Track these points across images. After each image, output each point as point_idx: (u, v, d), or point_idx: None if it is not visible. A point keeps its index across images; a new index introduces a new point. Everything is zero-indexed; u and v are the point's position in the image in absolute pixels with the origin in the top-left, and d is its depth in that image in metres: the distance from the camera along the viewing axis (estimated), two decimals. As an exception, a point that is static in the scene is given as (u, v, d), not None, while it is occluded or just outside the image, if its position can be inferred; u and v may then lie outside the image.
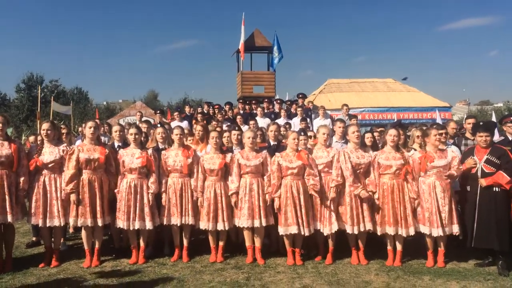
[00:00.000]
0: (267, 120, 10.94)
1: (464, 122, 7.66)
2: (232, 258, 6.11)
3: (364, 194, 5.72)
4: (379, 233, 5.84)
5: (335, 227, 5.81)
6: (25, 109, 40.26)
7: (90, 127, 5.91)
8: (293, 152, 5.89)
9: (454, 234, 5.68)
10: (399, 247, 5.84)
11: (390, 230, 5.75)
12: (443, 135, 6.03)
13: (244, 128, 8.97)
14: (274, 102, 13.51)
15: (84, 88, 49.44)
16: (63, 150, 5.87)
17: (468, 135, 6.79)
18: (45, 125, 5.89)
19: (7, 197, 5.52)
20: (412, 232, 5.70)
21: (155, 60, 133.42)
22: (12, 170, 5.63)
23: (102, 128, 9.22)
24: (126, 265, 5.87)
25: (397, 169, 5.74)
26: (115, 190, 5.92)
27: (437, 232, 5.63)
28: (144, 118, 11.62)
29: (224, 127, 8.96)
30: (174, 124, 9.63)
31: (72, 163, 5.75)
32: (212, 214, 5.93)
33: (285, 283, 5.16)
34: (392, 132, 5.92)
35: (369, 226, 5.78)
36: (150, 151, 6.00)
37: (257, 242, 5.98)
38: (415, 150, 6.17)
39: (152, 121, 12.76)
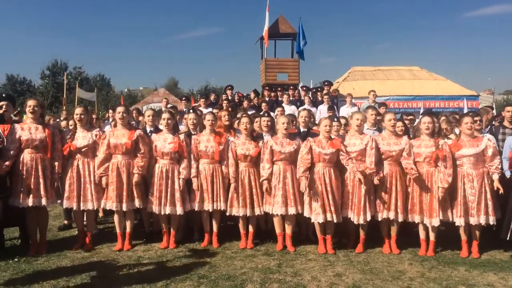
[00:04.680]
0: (293, 108, 10.83)
1: (503, 110, 7.43)
2: (262, 245, 6.10)
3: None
4: (399, 219, 5.74)
5: (368, 217, 5.73)
6: (50, 96, 41.02)
7: (119, 112, 5.94)
8: (326, 139, 5.80)
9: (482, 224, 5.55)
10: (432, 236, 5.74)
11: (417, 219, 5.70)
12: (477, 122, 5.88)
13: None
14: (300, 89, 13.37)
15: (106, 75, 50.12)
16: (96, 135, 5.92)
17: (506, 123, 6.57)
18: (78, 110, 5.94)
19: (41, 180, 5.61)
20: (436, 223, 5.57)
21: (176, 48, 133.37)
22: (46, 155, 5.70)
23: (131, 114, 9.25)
24: (157, 250, 5.91)
25: (427, 157, 5.64)
26: (139, 172, 5.82)
27: (459, 221, 5.57)
28: (169, 105, 11.65)
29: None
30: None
31: (104, 147, 5.82)
32: (249, 200, 5.91)
33: (317, 271, 5.12)
34: (426, 119, 5.79)
35: (392, 215, 5.70)
36: (182, 137, 6.00)
37: (288, 230, 5.94)
38: (449, 139, 6.03)
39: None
